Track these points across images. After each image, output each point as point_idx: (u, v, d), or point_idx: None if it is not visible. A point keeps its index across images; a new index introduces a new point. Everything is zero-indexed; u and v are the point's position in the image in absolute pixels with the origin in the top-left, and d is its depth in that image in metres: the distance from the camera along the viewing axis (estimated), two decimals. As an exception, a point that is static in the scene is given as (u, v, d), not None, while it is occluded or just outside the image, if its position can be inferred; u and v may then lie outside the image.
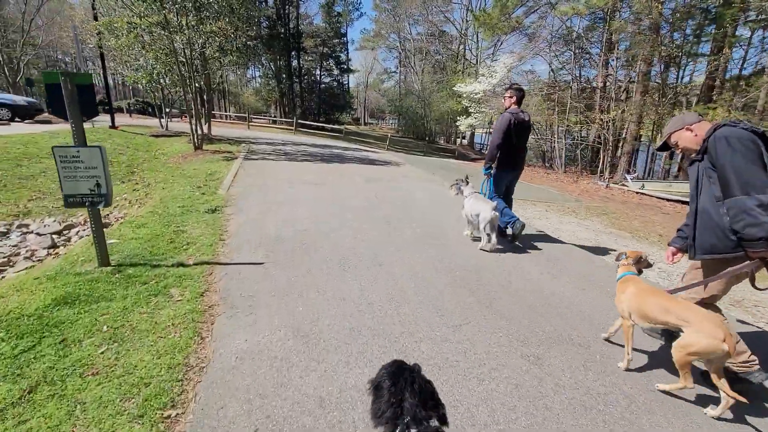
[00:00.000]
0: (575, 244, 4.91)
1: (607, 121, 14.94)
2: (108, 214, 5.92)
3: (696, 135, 2.10)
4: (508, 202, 4.58)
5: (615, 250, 4.91)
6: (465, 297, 3.00)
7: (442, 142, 43.02)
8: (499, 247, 4.11)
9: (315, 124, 27.26)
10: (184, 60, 10.23)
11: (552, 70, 17.32)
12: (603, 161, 15.53)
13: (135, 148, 12.56)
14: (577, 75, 17.71)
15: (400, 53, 50.64)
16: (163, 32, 9.37)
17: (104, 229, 4.04)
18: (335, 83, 40.14)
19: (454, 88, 18.28)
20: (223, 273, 3.07)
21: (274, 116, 39.87)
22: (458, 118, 21.73)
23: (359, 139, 27.45)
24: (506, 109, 4.27)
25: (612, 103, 14.60)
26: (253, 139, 16.09)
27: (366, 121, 70.46)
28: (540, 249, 4.40)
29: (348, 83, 44.81)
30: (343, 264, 3.42)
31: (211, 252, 3.46)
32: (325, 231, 4.26)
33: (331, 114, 39.12)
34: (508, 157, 4.24)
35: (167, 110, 23.82)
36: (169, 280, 2.86)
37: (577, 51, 16.56)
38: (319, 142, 18.42)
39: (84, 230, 5.17)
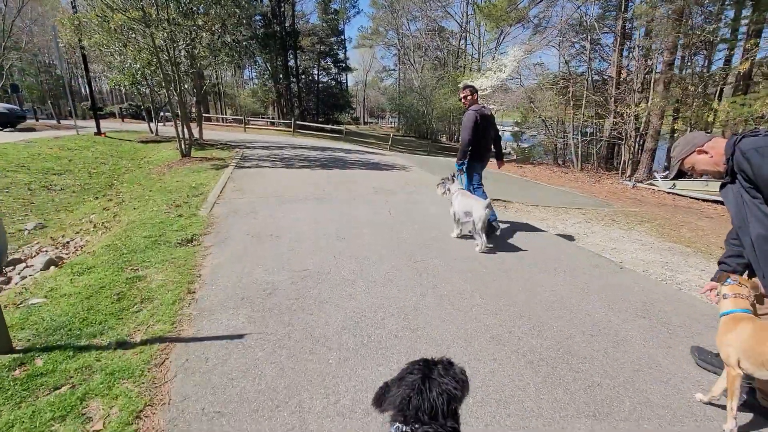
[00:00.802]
0: (658, 279, 3.87)
1: (628, 115, 13.87)
2: (68, 241, 4.91)
3: (712, 156, 1.87)
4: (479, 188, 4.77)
5: (692, 275, 3.87)
6: None
7: (444, 139, 41.97)
8: (490, 245, 4.00)
9: (314, 125, 26.25)
10: (168, 58, 9.20)
11: (566, 60, 16.28)
12: (624, 158, 14.47)
13: (119, 156, 11.55)
14: (591, 66, 16.65)
15: (398, 50, 49.50)
16: (144, 28, 8.35)
17: (37, 275, 3.01)
18: (334, 82, 39.07)
19: (459, 85, 17.22)
20: (183, 359, 2.04)
21: (272, 118, 38.84)
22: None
23: (360, 140, 26.43)
24: (468, 106, 4.46)
25: (635, 95, 13.52)
26: (248, 143, 15.06)
27: (365, 120, 69.40)
28: (647, 304, 3.08)
29: (346, 82, 43.78)
30: (362, 338, 2.35)
31: (171, 315, 2.43)
32: (331, 275, 3.18)
33: (330, 114, 38.08)
34: (478, 150, 4.48)
35: (161, 114, 22.82)
36: (94, 381, 1.83)
37: (592, 39, 15.49)
38: (319, 144, 17.40)
39: (32, 267, 4.12)
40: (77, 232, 5.05)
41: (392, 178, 8.38)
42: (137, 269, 3.10)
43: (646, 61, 13.94)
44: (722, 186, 1.87)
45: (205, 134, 17.68)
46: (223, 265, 3.24)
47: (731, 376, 1.72)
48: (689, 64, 13.44)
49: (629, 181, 12.36)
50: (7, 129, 14.74)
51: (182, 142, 9.49)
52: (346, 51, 38.95)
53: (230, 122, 31.50)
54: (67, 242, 4.89)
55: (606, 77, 17.30)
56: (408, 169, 10.02)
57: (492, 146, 4.67)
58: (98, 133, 14.28)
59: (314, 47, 37.12)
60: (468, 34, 39.07)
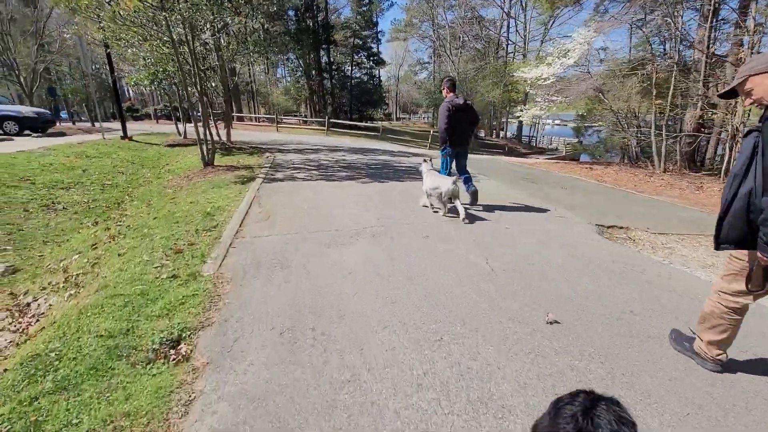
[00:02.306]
0: None
1: (734, 105, 11.19)
2: (29, 302, 3.47)
3: None
4: (464, 171, 5.34)
5: None
6: None
7: (481, 134, 39.32)
8: (452, 215, 4.71)
9: (348, 123, 24.71)
10: (189, 50, 7.81)
11: (648, 41, 13.61)
12: (728, 156, 11.77)
13: (140, 163, 10.41)
14: (675, 47, 13.88)
15: (433, 42, 47.16)
16: (159, 13, 6.96)
17: None
18: (367, 77, 37.41)
19: (516, 74, 14.97)
20: None
21: (304, 115, 37.84)
22: (520, 107, 18.32)
23: (397, 138, 24.62)
24: (445, 98, 4.98)
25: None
26: (280, 145, 13.66)
27: (397, 116, 67.50)
28: None
29: (379, 77, 42.00)
30: None
31: None
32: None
33: (363, 111, 36.52)
34: (454, 136, 4.94)
35: (192, 114, 22.04)
36: None
37: (673, 14, 12.76)
38: (357, 145, 15.76)
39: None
40: (44, 288, 3.61)
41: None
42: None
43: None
44: (749, 132, 1.73)
45: (236, 135, 16.54)
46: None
47: None
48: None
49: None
50: (36, 134, 14.16)
51: (204, 148, 8.10)
52: (380, 44, 37.14)
53: (263, 121, 30.67)
54: (28, 303, 3.46)
55: (689, 60, 14.46)
56: (482, 180, 8.10)
57: (469, 132, 5.21)
58: (124, 137, 13.35)
59: (347, 41, 35.62)
60: (512, 20, 36.15)
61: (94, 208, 6.62)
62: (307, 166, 8.60)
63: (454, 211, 4.71)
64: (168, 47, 7.53)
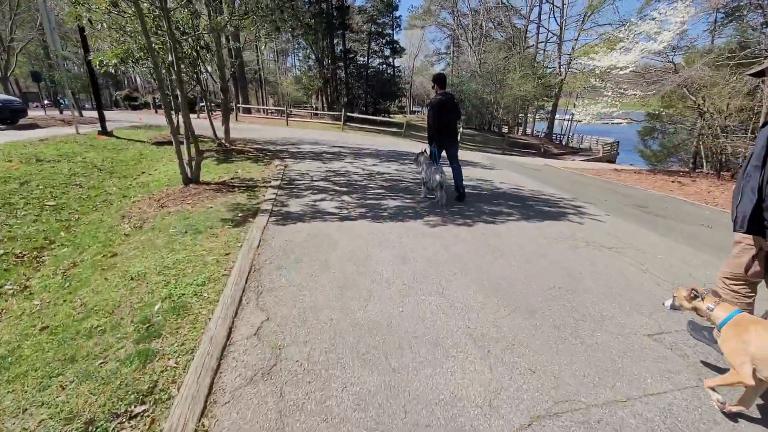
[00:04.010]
0: None
1: None
2: None
3: None
4: (456, 168, 5.43)
5: None
6: None
7: (504, 130, 36.37)
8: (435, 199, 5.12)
9: (366, 117, 22.05)
10: (160, 8, 5.27)
11: (752, 27, 10.78)
12: None
13: (110, 170, 7.95)
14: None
15: (453, 30, 43.98)
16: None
17: None
18: (385, 66, 34.54)
19: (587, 62, 12.20)
20: None
21: (315, 107, 35.18)
22: (576, 104, 15.54)
23: (419, 135, 21.88)
24: (436, 95, 5.23)
25: None
26: (292, 144, 11.12)
27: (411, 109, 64.53)
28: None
29: (394, 67, 39.03)
30: None
31: None
32: None
33: (379, 103, 33.74)
34: (443, 130, 5.22)
35: (201, 104, 19.54)
36: None
37: None
38: (383, 145, 13.15)
39: None
40: None
41: (592, 252, 3.95)
42: None
43: None
44: (765, 124, 1.87)
45: (241, 130, 14.00)
46: None
47: (735, 380, 1.60)
48: None
49: None
50: (2, 126, 11.85)
51: (185, 156, 5.60)
52: (401, 29, 34.16)
53: (272, 113, 28.14)
54: None
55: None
56: (598, 218, 5.43)
57: (456, 126, 5.50)
58: (103, 131, 10.94)
59: (363, 27, 32.75)
60: (545, 5, 32.89)
61: (4, 256, 4.17)
62: (333, 185, 6.05)
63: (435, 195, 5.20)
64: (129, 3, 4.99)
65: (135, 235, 4.10)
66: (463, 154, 13.75)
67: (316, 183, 6.13)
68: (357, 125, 21.23)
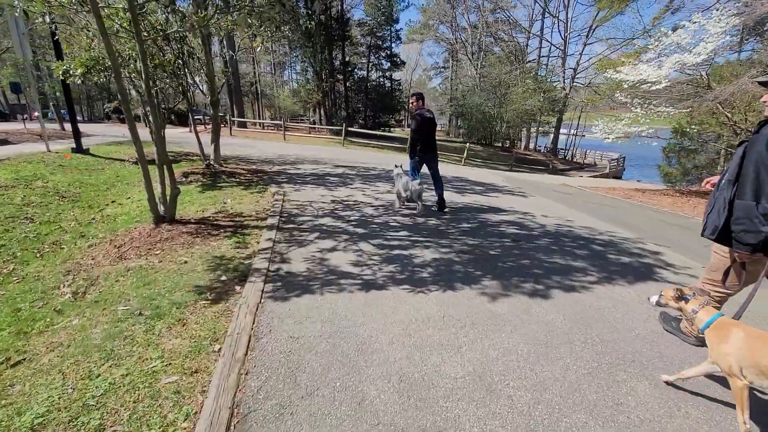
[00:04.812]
0: None
1: None
2: None
3: None
4: (437, 180, 5.61)
5: None
6: None
7: (505, 145, 35.50)
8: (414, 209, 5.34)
9: (367, 132, 20.97)
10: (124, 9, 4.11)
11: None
12: None
13: (73, 198, 6.65)
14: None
15: (452, 44, 43.56)
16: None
17: None
18: (385, 80, 33.76)
19: (613, 76, 11.21)
20: None
21: (312, 121, 34.19)
22: (555, 117, 14.52)
23: (424, 150, 20.85)
24: (416, 111, 5.40)
25: None
26: (291, 164, 9.92)
27: (408, 123, 64.00)
28: None
29: (397, 81, 38.29)
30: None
31: None
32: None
33: (379, 117, 32.83)
34: (424, 145, 5.36)
35: (198, 117, 18.36)
36: None
37: None
38: (390, 165, 11.97)
39: None
40: None
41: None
42: None
43: None
44: (741, 143, 1.98)
45: (235, 146, 12.80)
46: None
47: (737, 387, 1.62)
48: None
49: None
50: (-35, 142, 10.60)
51: (158, 194, 4.38)
52: (399, 43, 33.52)
53: (269, 127, 27.03)
54: None
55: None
56: (689, 270, 4.23)
57: (434, 139, 5.52)
58: (78, 149, 9.70)
59: (363, 40, 32.03)
60: (547, 20, 32.41)
61: None
62: (344, 223, 4.81)
63: (413, 205, 5.50)
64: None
65: (69, 313, 2.83)
66: (473, 173, 12.62)
67: (322, 220, 4.89)
68: (359, 140, 20.15)
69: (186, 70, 7.32)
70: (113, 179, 8.05)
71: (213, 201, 5.77)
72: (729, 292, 2.20)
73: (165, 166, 4.44)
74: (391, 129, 34.84)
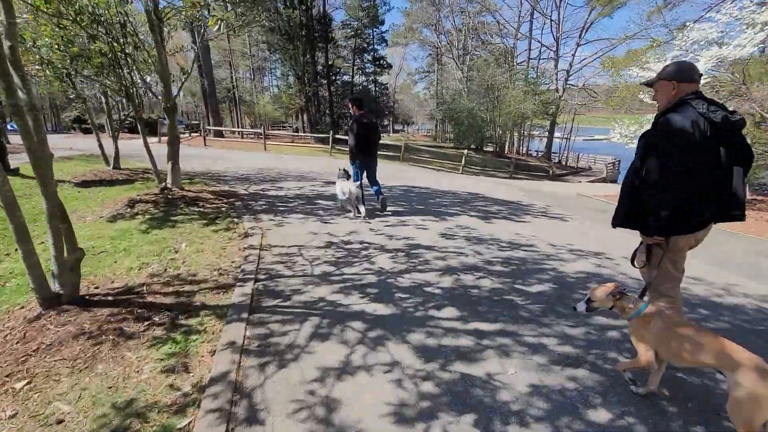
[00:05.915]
0: None
1: None
2: None
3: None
4: (374, 182, 5.69)
5: None
6: None
7: (496, 149, 34.41)
8: (362, 215, 5.27)
9: (356, 138, 19.27)
10: None
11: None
12: None
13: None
14: None
15: (437, 48, 42.50)
16: None
17: None
18: (371, 84, 32.23)
19: (640, 74, 9.91)
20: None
21: (296, 128, 32.31)
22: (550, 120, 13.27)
23: (420, 158, 19.25)
24: (354, 115, 5.34)
25: None
26: (271, 181, 8.17)
27: (393, 128, 62.69)
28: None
29: (384, 85, 36.83)
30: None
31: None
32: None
33: (366, 123, 31.17)
34: (363, 149, 5.37)
35: (144, 127, 16.28)
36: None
37: None
38: (391, 180, 10.24)
39: None
40: None
41: None
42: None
43: None
44: (642, 135, 2.02)
45: (208, 158, 10.77)
46: None
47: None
48: None
49: None
50: None
51: (46, 254, 2.63)
52: (387, 45, 32.05)
53: (248, 136, 25.06)
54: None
55: None
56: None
57: (375, 146, 5.55)
58: (6, 169, 7.64)
59: (347, 43, 30.47)
60: (536, 20, 31.58)
61: None
62: (354, 291, 3.14)
63: (357, 209, 5.40)
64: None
65: None
66: (480, 185, 10.74)
67: (318, 287, 3.19)
68: (346, 148, 18.47)
69: (128, 66, 5.55)
70: (39, 210, 6.14)
71: (159, 249, 4.01)
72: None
73: (60, 215, 2.67)
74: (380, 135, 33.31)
